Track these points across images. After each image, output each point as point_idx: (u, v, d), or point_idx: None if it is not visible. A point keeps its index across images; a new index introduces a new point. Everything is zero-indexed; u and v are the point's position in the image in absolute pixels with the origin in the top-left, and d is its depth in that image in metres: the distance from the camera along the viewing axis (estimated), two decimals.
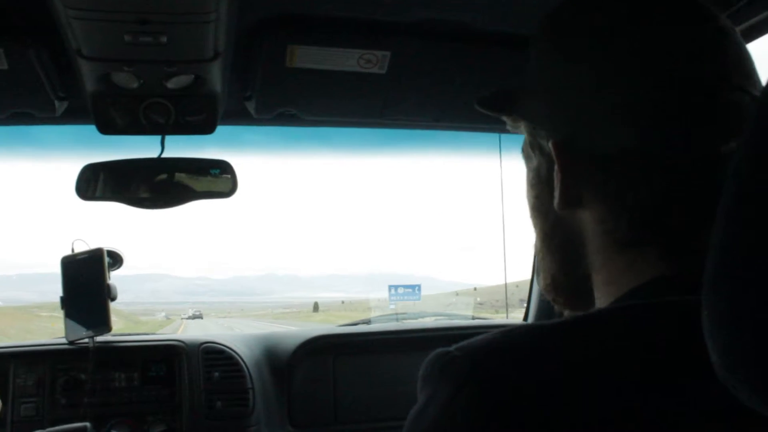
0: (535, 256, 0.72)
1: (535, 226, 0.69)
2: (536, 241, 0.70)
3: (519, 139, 0.72)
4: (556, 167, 0.61)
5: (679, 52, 0.57)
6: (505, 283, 2.11)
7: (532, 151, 0.66)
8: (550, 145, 0.61)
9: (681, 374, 0.49)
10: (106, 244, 1.70)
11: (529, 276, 2.01)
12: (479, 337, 0.56)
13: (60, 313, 1.68)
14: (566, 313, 0.69)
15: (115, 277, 1.68)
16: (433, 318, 2.39)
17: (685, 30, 0.59)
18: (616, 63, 0.58)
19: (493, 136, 1.77)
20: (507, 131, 1.66)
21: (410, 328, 2.02)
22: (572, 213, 0.62)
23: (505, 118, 0.69)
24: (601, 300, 0.63)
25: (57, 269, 1.69)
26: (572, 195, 0.61)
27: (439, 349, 0.55)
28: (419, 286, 17.07)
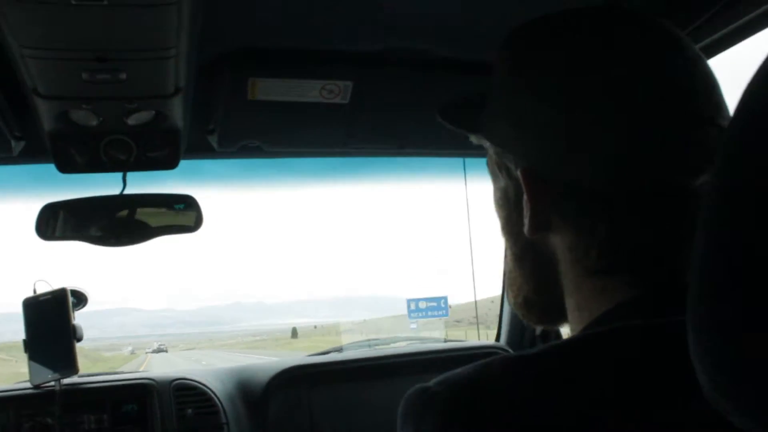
0: (505, 274, 0.73)
1: (506, 246, 0.69)
2: (507, 261, 0.70)
3: (483, 163, 0.72)
4: (525, 195, 0.61)
5: (647, 85, 0.57)
6: (475, 303, 2.11)
7: (498, 170, 0.66)
8: (518, 173, 0.61)
9: (659, 399, 0.49)
10: (70, 284, 1.66)
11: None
12: (457, 371, 0.56)
13: (14, 355, 1.63)
14: (537, 329, 0.69)
15: (80, 315, 1.64)
16: (406, 342, 2.38)
17: (654, 61, 0.58)
18: (582, 96, 0.57)
19: (457, 161, 1.78)
20: (471, 155, 1.67)
21: (384, 354, 2.00)
22: (543, 236, 0.63)
23: (470, 136, 0.69)
24: (573, 324, 0.63)
25: (13, 309, 1.64)
26: (542, 221, 0.61)
27: (418, 386, 0.55)
28: (446, 299, 13.81)
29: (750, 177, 0.33)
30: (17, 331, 1.66)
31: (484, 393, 0.52)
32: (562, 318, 0.66)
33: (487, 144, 0.66)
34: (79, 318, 1.63)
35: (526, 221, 0.61)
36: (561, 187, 0.59)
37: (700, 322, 0.36)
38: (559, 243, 0.62)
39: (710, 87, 0.59)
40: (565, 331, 0.70)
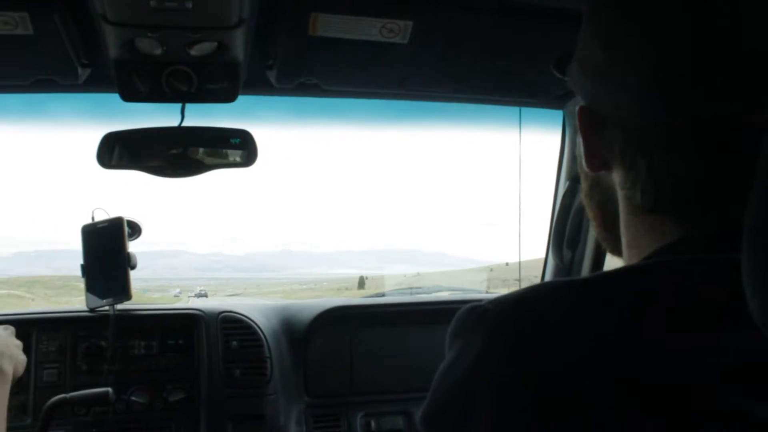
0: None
1: (581, 181, 0.73)
2: (582, 197, 0.74)
3: (539, 113, 0.74)
4: (579, 132, 0.64)
5: (690, 19, 0.56)
6: (519, 260, 2.11)
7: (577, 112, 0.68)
8: (577, 111, 0.64)
9: (704, 327, 0.50)
10: (125, 214, 1.71)
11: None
12: (510, 292, 0.59)
13: (34, 293, 1.69)
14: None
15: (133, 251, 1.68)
16: (448, 292, 2.40)
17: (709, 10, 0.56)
18: (624, 33, 0.58)
19: (513, 110, 1.76)
20: (526, 104, 1.66)
21: (426, 301, 2.03)
22: (606, 174, 0.65)
23: (567, 80, 0.71)
24: (626, 261, 0.65)
25: (72, 246, 1.70)
26: (596, 158, 0.63)
27: (471, 304, 0.58)
28: None
29: None
30: (57, 267, 1.72)
31: (531, 312, 0.54)
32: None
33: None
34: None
35: (583, 158, 0.65)
36: (609, 125, 0.61)
37: (756, 244, 0.37)
38: (616, 180, 0.63)
39: (762, 19, 0.56)
40: None
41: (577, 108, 0.64)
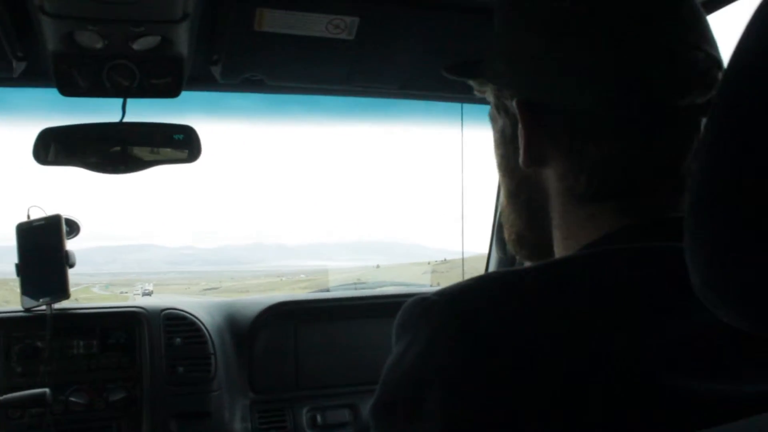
0: (500, 213, 0.76)
1: (502, 184, 0.72)
2: (502, 199, 0.73)
3: (481, 109, 0.75)
4: (520, 125, 0.63)
5: (635, 13, 0.59)
6: (462, 253, 2.14)
7: (497, 112, 0.69)
8: (514, 104, 0.64)
9: (650, 312, 0.51)
10: (64, 212, 1.65)
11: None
12: (455, 283, 0.58)
13: None
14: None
15: (101, 249, 1.65)
16: (392, 287, 2.43)
17: None
18: (573, 25, 0.59)
19: (455, 107, 1.79)
20: (470, 101, 1.68)
21: (371, 295, 2.04)
22: (537, 171, 0.65)
23: (471, 83, 0.71)
24: (561, 254, 0.66)
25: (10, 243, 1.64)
26: (536, 153, 0.63)
27: (417, 297, 0.58)
28: None
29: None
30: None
31: (477, 302, 0.54)
32: (551, 255, 0.69)
33: (487, 90, 0.69)
34: (101, 253, 1.63)
35: (521, 152, 0.64)
36: (553, 115, 0.61)
37: (698, 218, 0.38)
38: (551, 175, 0.64)
39: (696, 17, 0.61)
40: None
41: (514, 102, 0.63)
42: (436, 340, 0.53)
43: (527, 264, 0.73)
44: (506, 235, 0.74)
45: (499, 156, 0.70)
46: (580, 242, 0.62)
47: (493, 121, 0.71)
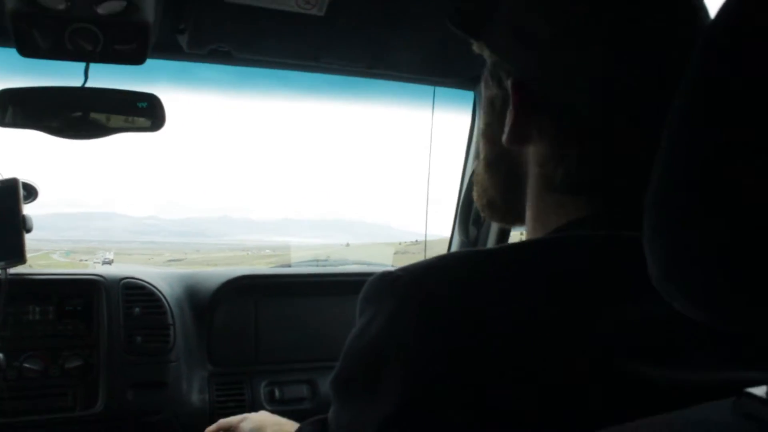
0: (472, 175, 0.76)
1: (482, 150, 0.73)
2: (479, 165, 0.73)
3: (452, 92, 0.75)
4: (510, 105, 0.64)
5: (636, 19, 0.58)
6: (426, 236, 2.16)
7: (491, 79, 0.68)
8: (509, 83, 0.64)
9: (608, 298, 0.53)
10: (23, 176, 1.63)
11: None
12: (419, 261, 0.60)
13: None
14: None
15: (64, 216, 1.62)
16: (354, 265, 2.44)
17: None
18: (578, 17, 0.59)
19: (429, 88, 1.79)
20: (438, 84, 1.68)
21: (334, 272, 2.05)
22: (518, 148, 0.66)
23: (472, 41, 0.70)
24: (530, 234, 0.67)
25: None
26: (520, 134, 0.64)
27: (381, 272, 0.59)
28: None
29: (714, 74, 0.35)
30: None
31: (445, 277, 0.55)
32: (519, 222, 0.71)
33: (486, 52, 0.68)
34: (63, 219, 1.60)
35: (506, 129, 0.64)
36: (545, 105, 0.62)
37: (657, 208, 0.39)
38: (531, 157, 0.65)
39: (703, 20, 0.61)
40: None
41: (509, 82, 0.63)
42: (398, 315, 0.54)
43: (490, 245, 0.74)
44: (476, 198, 0.75)
45: (484, 123, 0.71)
46: (546, 227, 0.63)
47: (485, 84, 0.71)
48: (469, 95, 1.83)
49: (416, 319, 0.53)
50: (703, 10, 0.62)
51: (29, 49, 1.25)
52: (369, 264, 2.36)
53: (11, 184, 1.60)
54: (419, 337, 0.52)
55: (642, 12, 0.59)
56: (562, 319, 0.51)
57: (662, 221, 0.38)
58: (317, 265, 2.34)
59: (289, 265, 2.27)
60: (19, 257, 1.59)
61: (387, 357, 0.53)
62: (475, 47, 0.70)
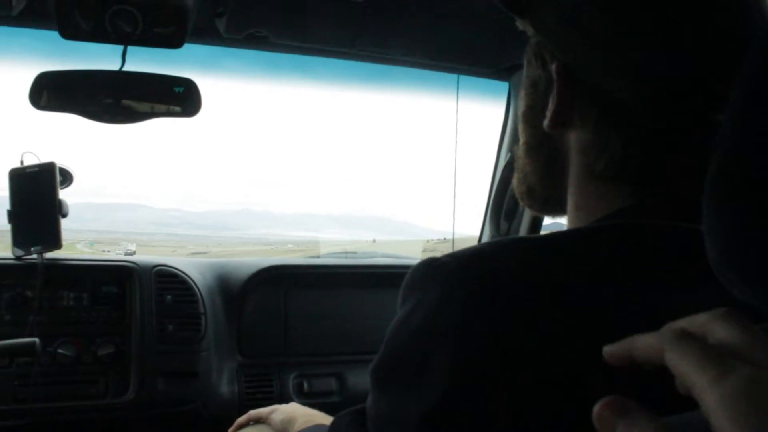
0: (504, 169, 0.74)
1: (522, 134, 0.71)
2: (519, 150, 0.72)
3: (480, 82, 0.72)
4: (554, 90, 0.62)
5: (697, 15, 0.57)
6: (453, 232, 2.14)
7: (534, 59, 0.66)
8: (553, 68, 0.62)
9: (659, 286, 0.52)
10: (58, 161, 1.63)
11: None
12: (467, 247, 0.58)
13: None
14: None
15: (88, 206, 1.63)
16: (383, 258, 2.42)
17: None
18: (633, 9, 0.58)
19: (453, 77, 1.77)
20: (473, 74, 1.66)
21: (363, 264, 2.04)
22: (560, 133, 0.64)
23: (517, 19, 0.68)
24: (573, 223, 0.66)
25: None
26: (563, 119, 0.63)
27: (427, 258, 0.57)
28: None
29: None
30: None
31: (493, 263, 0.54)
32: (560, 210, 0.69)
33: (530, 31, 0.66)
34: (89, 210, 1.61)
35: (548, 114, 0.63)
36: (590, 91, 0.60)
37: (717, 193, 0.38)
38: (573, 143, 0.63)
39: (759, 20, 0.59)
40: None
41: (553, 66, 0.62)
42: (445, 302, 0.52)
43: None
44: (515, 185, 0.73)
45: (526, 105, 0.69)
46: (591, 215, 0.62)
47: (528, 62, 0.69)
48: (500, 86, 1.81)
49: (463, 307, 0.51)
50: (761, 11, 0.60)
51: (71, 31, 1.25)
52: (398, 257, 2.34)
53: (49, 168, 1.61)
54: (467, 325, 0.51)
55: (696, 6, 0.57)
56: (611, 309, 0.50)
57: (723, 205, 0.37)
58: (346, 257, 2.33)
59: (318, 257, 2.26)
60: (56, 242, 1.60)
61: (433, 345, 0.52)
62: (519, 24, 0.68)
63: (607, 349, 0.40)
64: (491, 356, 0.49)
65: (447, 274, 0.54)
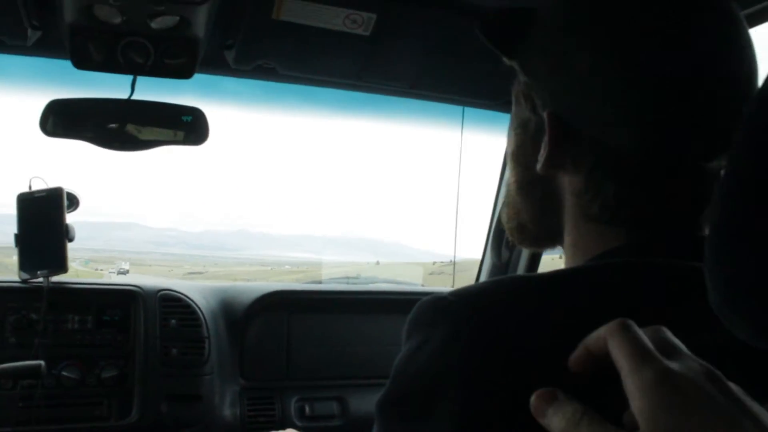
0: (504, 196, 0.75)
1: (513, 173, 0.71)
2: (511, 187, 0.71)
3: (482, 113, 0.73)
4: (546, 137, 0.62)
5: (688, 63, 0.57)
6: (454, 257, 2.16)
7: (524, 100, 0.66)
8: (545, 115, 0.62)
9: (652, 323, 0.53)
10: (65, 185, 1.66)
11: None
12: (471, 285, 0.59)
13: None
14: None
15: (85, 224, 1.64)
16: (384, 283, 2.44)
17: (700, 36, 0.58)
18: (626, 59, 0.57)
19: (456, 109, 1.79)
20: (478, 106, 1.69)
21: (365, 290, 2.05)
22: (553, 174, 0.65)
23: (504, 58, 0.68)
24: (569, 259, 0.66)
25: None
26: (556, 163, 0.63)
27: (433, 295, 0.58)
28: None
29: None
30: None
31: (494, 304, 0.55)
32: (551, 246, 0.70)
33: (518, 68, 0.66)
34: (85, 228, 1.63)
35: (540, 159, 0.63)
36: (583, 139, 0.60)
37: (719, 235, 0.38)
38: (566, 185, 0.64)
39: (752, 75, 0.60)
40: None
41: (545, 113, 0.62)
42: (452, 341, 0.53)
43: (520, 272, 0.73)
44: (505, 221, 0.73)
45: (515, 144, 0.69)
46: (587, 253, 0.62)
47: (516, 101, 0.69)
48: (503, 116, 1.83)
49: (473, 344, 0.52)
50: (750, 48, 0.61)
51: (83, 62, 1.27)
52: (399, 283, 2.36)
53: (56, 193, 1.63)
54: (477, 361, 0.52)
55: (686, 46, 0.57)
56: None
57: (725, 248, 0.38)
58: (347, 283, 2.35)
59: (320, 282, 2.27)
60: (62, 266, 1.62)
61: (443, 382, 0.52)
62: (506, 61, 0.68)
63: (570, 358, 0.44)
64: (499, 395, 0.50)
65: (453, 313, 0.55)
